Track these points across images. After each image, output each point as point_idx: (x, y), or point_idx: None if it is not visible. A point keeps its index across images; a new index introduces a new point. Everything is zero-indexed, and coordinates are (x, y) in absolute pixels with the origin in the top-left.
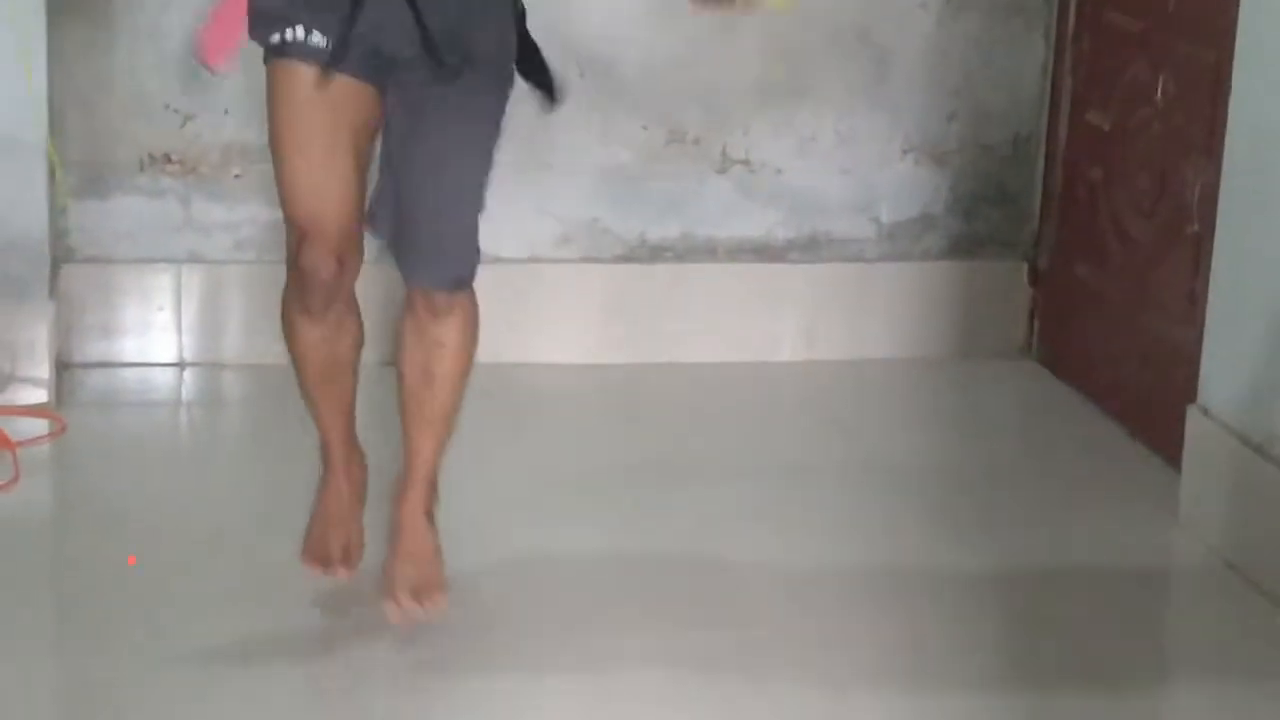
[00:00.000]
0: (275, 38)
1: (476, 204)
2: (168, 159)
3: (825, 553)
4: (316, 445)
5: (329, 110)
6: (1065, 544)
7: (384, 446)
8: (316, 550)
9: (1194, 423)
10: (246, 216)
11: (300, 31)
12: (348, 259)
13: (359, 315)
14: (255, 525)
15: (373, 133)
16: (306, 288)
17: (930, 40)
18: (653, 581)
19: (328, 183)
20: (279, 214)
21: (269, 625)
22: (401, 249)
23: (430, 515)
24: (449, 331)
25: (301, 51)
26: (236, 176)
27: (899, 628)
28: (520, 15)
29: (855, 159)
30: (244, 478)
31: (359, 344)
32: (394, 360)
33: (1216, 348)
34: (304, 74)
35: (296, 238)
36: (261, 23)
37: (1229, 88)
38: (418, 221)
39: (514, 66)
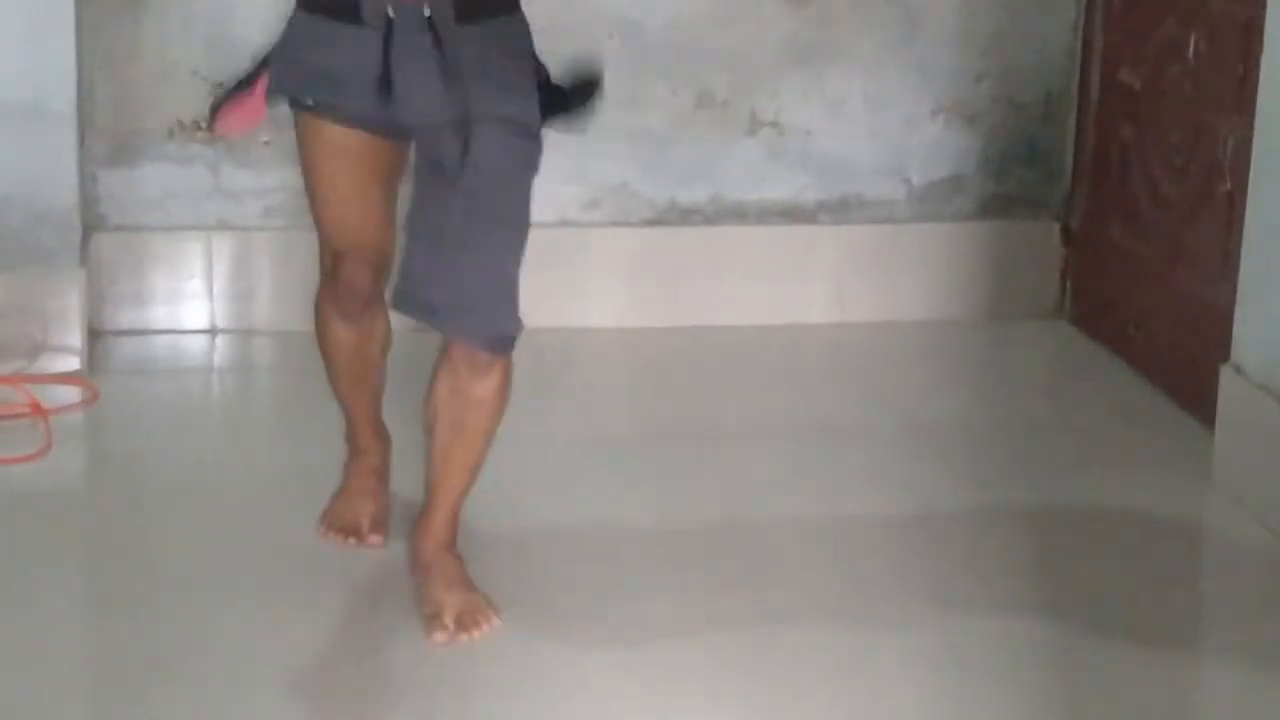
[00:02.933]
0: (301, 99)
1: (517, 259)
2: (197, 126)
3: (858, 513)
4: (341, 429)
5: (358, 159)
6: (1098, 502)
7: (411, 418)
8: (340, 521)
9: (1227, 382)
10: (276, 183)
11: (319, 97)
12: (381, 272)
13: (388, 316)
14: (287, 490)
15: (401, 172)
16: (343, 297)
17: (959, 0)
18: (684, 544)
19: (363, 218)
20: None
21: (300, 590)
22: (443, 309)
23: (453, 548)
24: (487, 389)
25: (326, 110)
26: (265, 143)
27: (934, 588)
28: (541, 75)
29: (885, 120)
30: (275, 443)
31: (388, 344)
32: (423, 409)
33: (1249, 306)
34: (332, 129)
35: (335, 258)
36: (285, 86)
37: (1261, 45)
38: (459, 277)
39: (540, 120)
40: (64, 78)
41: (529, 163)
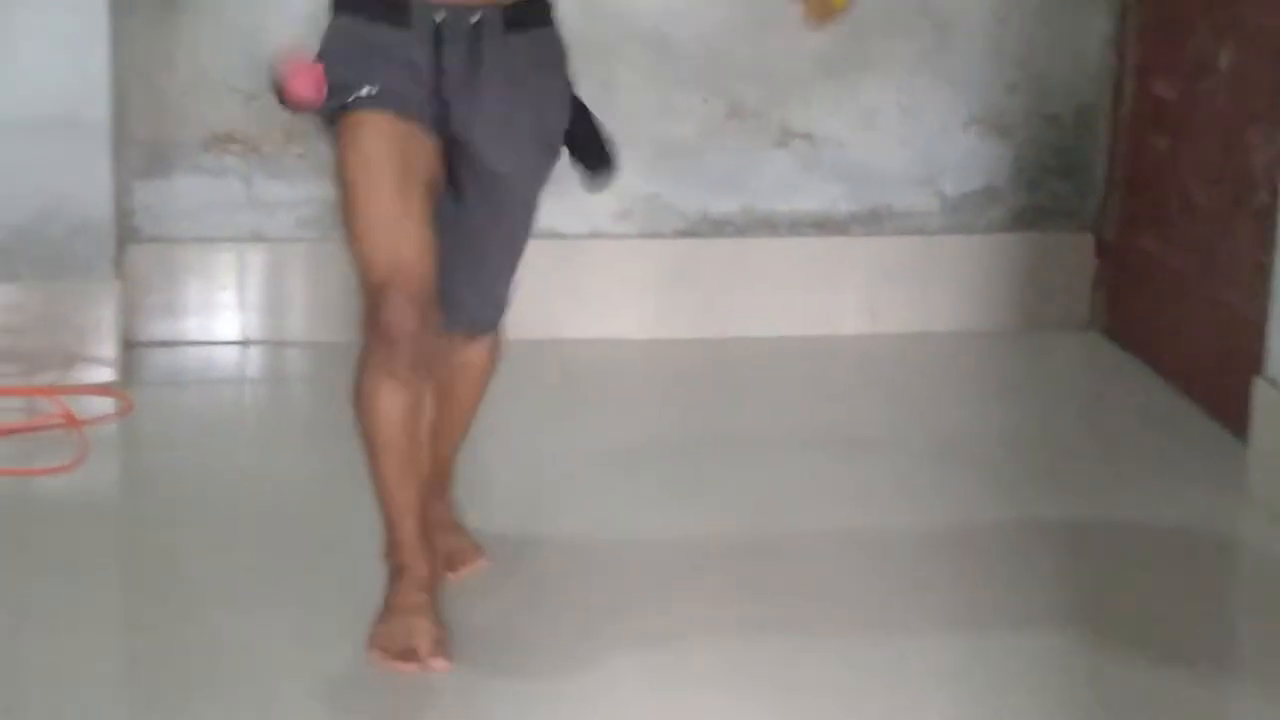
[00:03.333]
0: (350, 102)
1: (516, 267)
2: (230, 138)
3: (887, 524)
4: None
5: (403, 160)
6: (1131, 515)
7: None
8: (394, 646)
9: (1261, 394)
10: (308, 195)
11: (373, 90)
12: (428, 312)
13: (433, 390)
14: (319, 502)
15: (438, 186)
16: (393, 346)
17: (992, 10)
18: (713, 554)
19: (407, 233)
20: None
21: (331, 602)
22: (442, 304)
23: (445, 495)
24: (477, 356)
25: (374, 103)
26: (299, 155)
27: (964, 602)
28: (576, 100)
29: (917, 131)
30: (308, 455)
31: (434, 423)
32: None
33: None
34: (377, 121)
35: (376, 297)
36: (334, 103)
37: None
38: (461, 286)
39: (562, 142)
40: (99, 89)
41: (546, 178)
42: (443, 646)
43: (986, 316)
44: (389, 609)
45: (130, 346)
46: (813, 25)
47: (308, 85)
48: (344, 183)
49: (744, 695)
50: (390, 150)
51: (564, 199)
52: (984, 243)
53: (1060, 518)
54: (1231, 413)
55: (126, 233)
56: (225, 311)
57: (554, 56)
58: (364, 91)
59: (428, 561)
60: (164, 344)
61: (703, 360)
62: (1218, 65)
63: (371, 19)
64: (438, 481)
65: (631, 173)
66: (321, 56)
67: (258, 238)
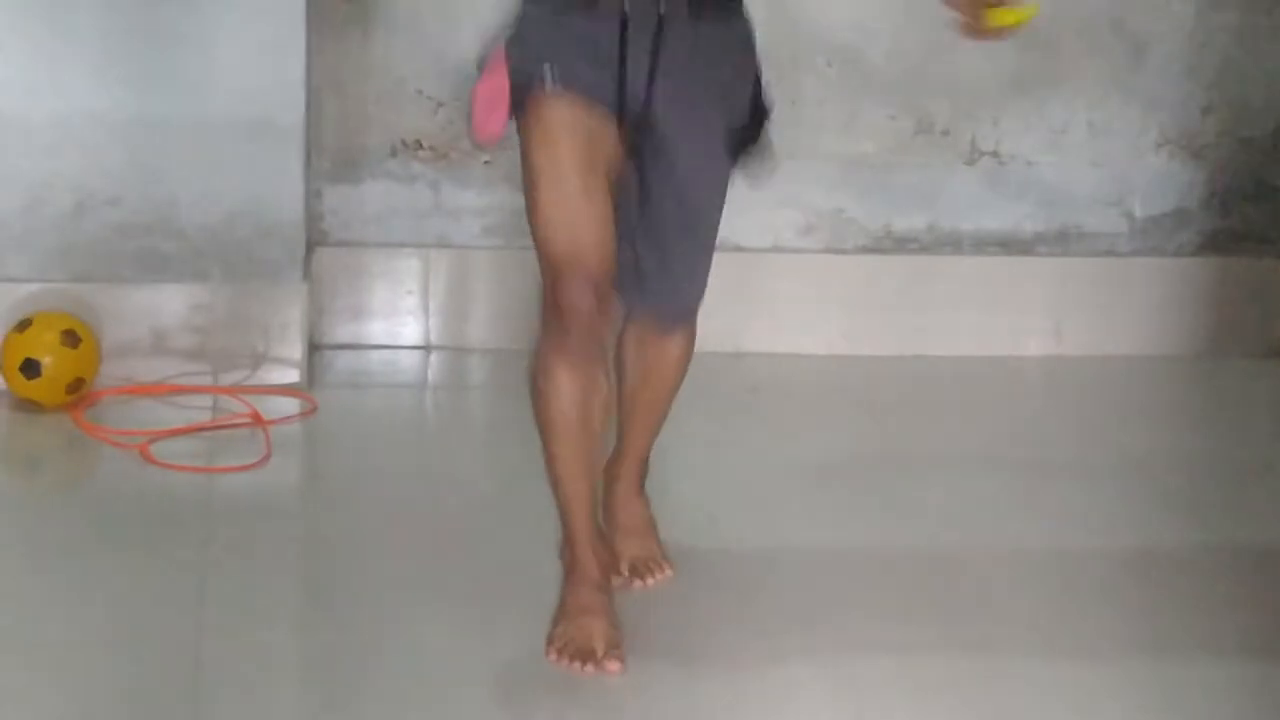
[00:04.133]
0: (536, 85)
1: (710, 253)
2: (419, 145)
3: (1071, 547)
4: (558, 545)
5: (585, 142)
6: None
7: None
8: (572, 646)
9: None
10: (495, 203)
11: (557, 72)
12: (605, 295)
13: (608, 374)
14: (498, 508)
15: (618, 170)
16: (568, 327)
17: (1189, 31)
18: (893, 573)
19: (586, 213)
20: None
21: (510, 607)
22: (634, 288)
23: (643, 491)
24: (674, 344)
25: (559, 89)
26: (486, 163)
27: (1145, 620)
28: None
29: (1107, 151)
30: (488, 461)
31: (607, 408)
32: (614, 362)
33: None
34: (561, 106)
35: (554, 275)
36: (521, 88)
37: None
38: (652, 274)
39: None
40: (293, 96)
41: (734, 167)
42: (618, 648)
43: (1174, 341)
44: (564, 610)
45: (316, 349)
46: (978, 36)
47: (491, 121)
48: (528, 165)
49: (923, 712)
50: (574, 136)
51: (747, 213)
52: (1173, 266)
53: (1246, 544)
54: None
55: (315, 236)
56: (409, 316)
57: (741, 46)
58: (549, 76)
59: (599, 559)
60: (348, 347)
61: (884, 377)
62: None
63: (560, 9)
64: (632, 473)
65: (816, 187)
66: (511, 44)
67: (443, 244)
